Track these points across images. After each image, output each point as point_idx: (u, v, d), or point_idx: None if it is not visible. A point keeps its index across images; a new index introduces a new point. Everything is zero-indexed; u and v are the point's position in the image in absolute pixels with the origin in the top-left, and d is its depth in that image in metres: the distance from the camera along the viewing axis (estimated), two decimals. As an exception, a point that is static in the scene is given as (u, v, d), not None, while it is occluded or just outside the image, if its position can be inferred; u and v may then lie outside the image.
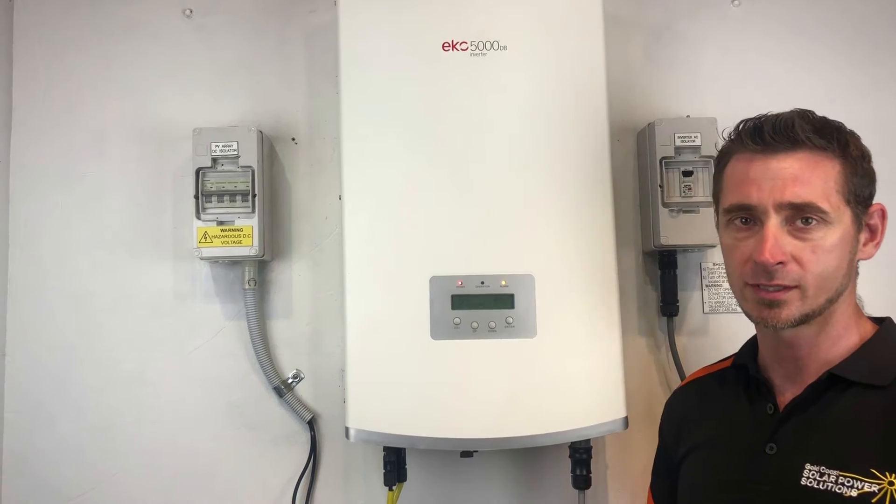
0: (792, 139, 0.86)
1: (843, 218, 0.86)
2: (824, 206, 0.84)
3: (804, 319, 0.87)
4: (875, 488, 0.80)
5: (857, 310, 0.92)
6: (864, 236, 0.89)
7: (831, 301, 0.87)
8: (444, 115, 1.15)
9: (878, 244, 0.91)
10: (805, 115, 0.88)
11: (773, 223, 0.85)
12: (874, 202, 0.90)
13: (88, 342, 1.34)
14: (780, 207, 0.85)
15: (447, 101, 1.15)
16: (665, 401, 1.34)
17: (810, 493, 0.84)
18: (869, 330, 0.91)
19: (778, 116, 0.88)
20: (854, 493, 0.81)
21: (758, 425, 0.93)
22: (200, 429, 1.33)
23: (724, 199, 0.92)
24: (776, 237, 0.85)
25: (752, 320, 0.93)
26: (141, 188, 1.37)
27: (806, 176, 0.85)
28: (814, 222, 0.85)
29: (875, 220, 0.90)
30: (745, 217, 0.89)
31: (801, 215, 0.85)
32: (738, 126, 0.92)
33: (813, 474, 0.85)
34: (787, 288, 0.86)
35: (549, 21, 1.17)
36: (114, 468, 1.32)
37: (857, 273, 0.91)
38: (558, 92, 1.16)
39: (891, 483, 0.80)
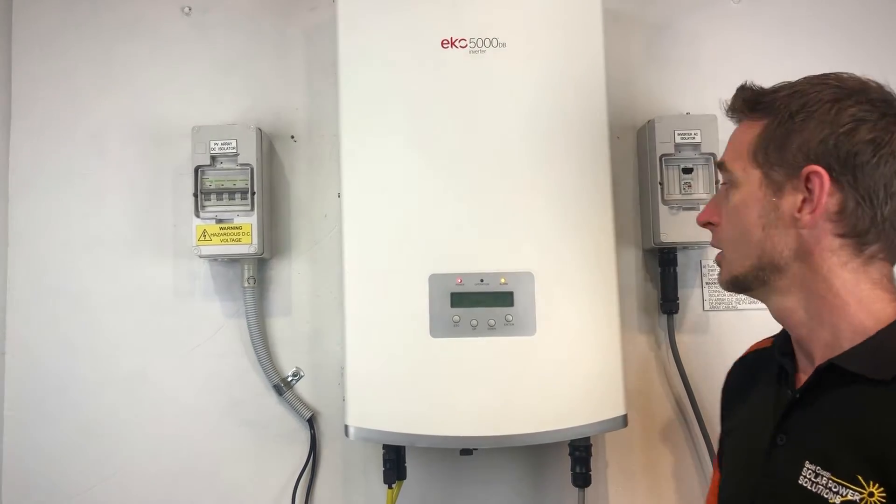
0: (732, 111, 0.89)
1: (749, 179, 0.84)
2: (730, 166, 0.85)
3: (736, 283, 0.87)
4: (857, 497, 0.76)
5: (874, 293, 0.82)
6: (793, 201, 0.81)
7: (762, 269, 0.83)
8: (443, 113, 1.15)
9: (813, 211, 0.79)
10: (743, 87, 0.89)
11: (721, 187, 0.89)
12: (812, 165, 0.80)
13: (88, 340, 1.34)
14: (720, 168, 0.88)
15: (446, 98, 1.15)
16: (663, 400, 1.34)
17: (805, 494, 0.80)
18: (890, 315, 0.82)
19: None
20: (838, 501, 0.77)
21: (775, 413, 0.88)
22: (201, 427, 1.33)
23: None
24: (714, 199, 0.89)
25: None
26: (140, 186, 1.37)
27: (731, 142, 0.87)
28: (728, 185, 0.86)
29: (812, 184, 0.80)
30: None
31: (723, 175, 0.87)
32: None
33: (809, 474, 0.81)
34: (719, 253, 0.89)
35: (549, 18, 1.17)
36: (114, 466, 1.32)
37: (836, 249, 0.81)
38: (558, 89, 1.16)
39: (871, 494, 0.75)
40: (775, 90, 0.87)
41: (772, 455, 0.86)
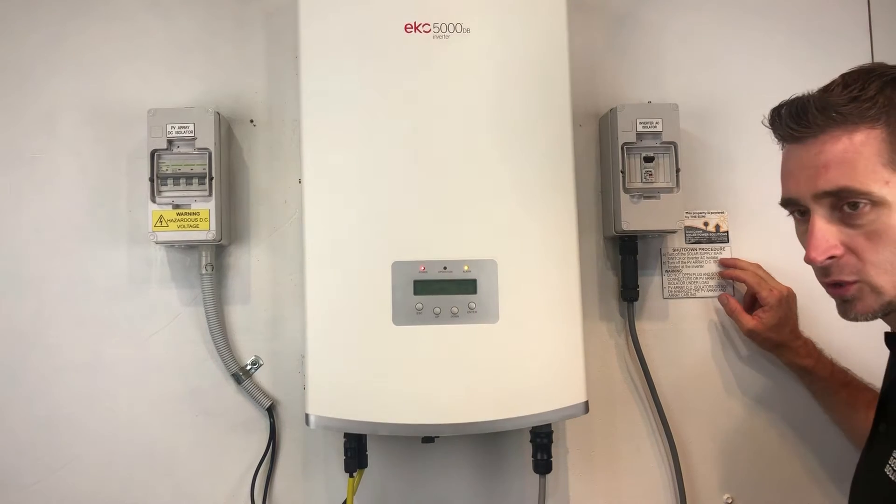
0: (807, 125, 0.78)
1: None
2: (866, 186, 0.75)
3: (889, 309, 0.80)
4: None
5: None
6: None
7: None
8: (406, 99, 1.14)
9: None
10: (839, 85, 0.79)
11: (818, 215, 0.79)
12: None
13: (40, 328, 1.30)
14: (817, 198, 0.78)
15: (409, 83, 1.14)
16: (623, 387, 1.35)
17: (887, 483, 0.79)
18: None
19: (794, 102, 0.81)
20: None
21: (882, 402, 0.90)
22: (157, 416, 1.30)
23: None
24: (821, 230, 0.78)
25: (840, 316, 0.86)
26: (94, 170, 1.33)
27: (838, 158, 0.76)
28: (863, 206, 0.76)
29: None
30: (799, 209, 0.84)
31: (844, 201, 0.77)
32: (769, 116, 0.85)
33: (893, 462, 0.80)
34: (849, 283, 0.79)
35: (513, 4, 1.16)
36: (69, 456, 1.29)
37: None
38: (522, 76, 1.15)
39: None
40: (862, 90, 0.77)
41: (874, 446, 0.87)
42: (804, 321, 1.30)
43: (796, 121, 0.80)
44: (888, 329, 0.91)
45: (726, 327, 1.36)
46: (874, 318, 0.81)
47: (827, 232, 0.79)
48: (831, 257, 0.79)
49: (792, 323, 1.26)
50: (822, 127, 0.78)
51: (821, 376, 1.24)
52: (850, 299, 0.81)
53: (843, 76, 0.80)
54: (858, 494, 0.90)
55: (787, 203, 0.85)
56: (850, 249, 0.78)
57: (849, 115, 0.77)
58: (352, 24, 1.14)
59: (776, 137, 0.85)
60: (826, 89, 0.80)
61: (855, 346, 1.30)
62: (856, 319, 0.82)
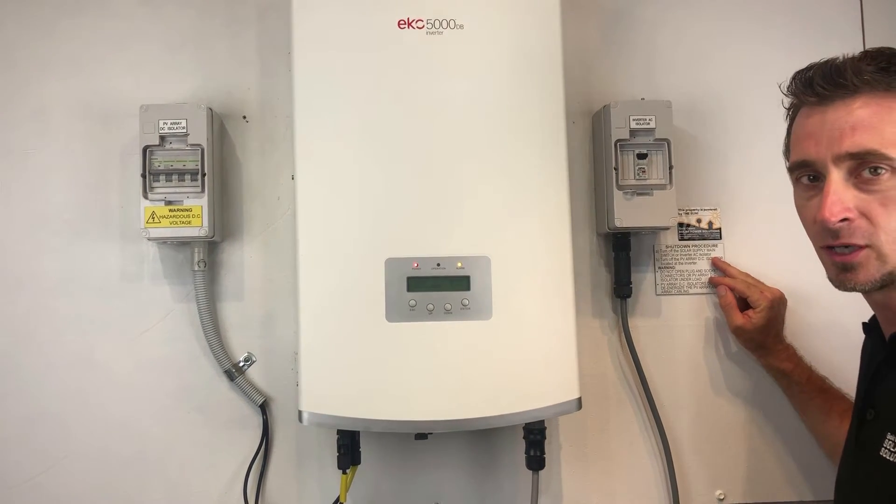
0: (844, 86, 0.80)
1: None
2: (891, 152, 0.77)
3: (887, 281, 0.81)
4: None
5: None
6: None
7: None
8: (399, 95, 1.13)
9: None
10: (866, 55, 0.81)
11: (835, 178, 0.80)
12: None
13: (32, 324, 1.30)
14: (839, 159, 0.79)
15: (403, 79, 1.14)
16: (616, 383, 1.36)
17: (884, 465, 0.80)
18: None
19: (827, 63, 0.83)
20: None
21: (866, 388, 0.91)
22: (150, 413, 1.30)
23: (790, 157, 0.88)
24: (837, 192, 0.79)
25: (834, 286, 0.86)
26: (86, 166, 1.32)
27: (867, 122, 0.78)
28: (883, 172, 0.78)
29: None
30: (810, 174, 0.84)
31: (867, 165, 0.79)
32: (792, 79, 0.87)
33: (889, 444, 0.80)
34: (858, 248, 0.80)
35: (507, 1, 1.16)
36: (62, 452, 1.29)
37: None
38: (515, 73, 1.15)
39: None
40: (889, 63, 0.80)
41: (863, 431, 0.88)
42: (792, 322, 1.31)
43: (830, 81, 0.81)
44: (866, 322, 0.94)
45: (719, 324, 1.36)
46: (871, 288, 0.82)
47: (843, 194, 0.80)
48: (844, 219, 0.80)
49: (778, 327, 1.29)
50: (857, 88, 0.80)
51: (797, 381, 1.27)
52: (853, 266, 0.81)
53: (864, 52, 0.83)
54: (851, 482, 0.91)
55: (799, 166, 0.85)
56: (862, 214, 0.79)
57: (882, 82, 0.79)
58: (345, 20, 1.14)
59: (800, 100, 0.86)
60: (853, 59, 0.82)
61: (835, 351, 1.31)
62: (853, 289, 0.83)
